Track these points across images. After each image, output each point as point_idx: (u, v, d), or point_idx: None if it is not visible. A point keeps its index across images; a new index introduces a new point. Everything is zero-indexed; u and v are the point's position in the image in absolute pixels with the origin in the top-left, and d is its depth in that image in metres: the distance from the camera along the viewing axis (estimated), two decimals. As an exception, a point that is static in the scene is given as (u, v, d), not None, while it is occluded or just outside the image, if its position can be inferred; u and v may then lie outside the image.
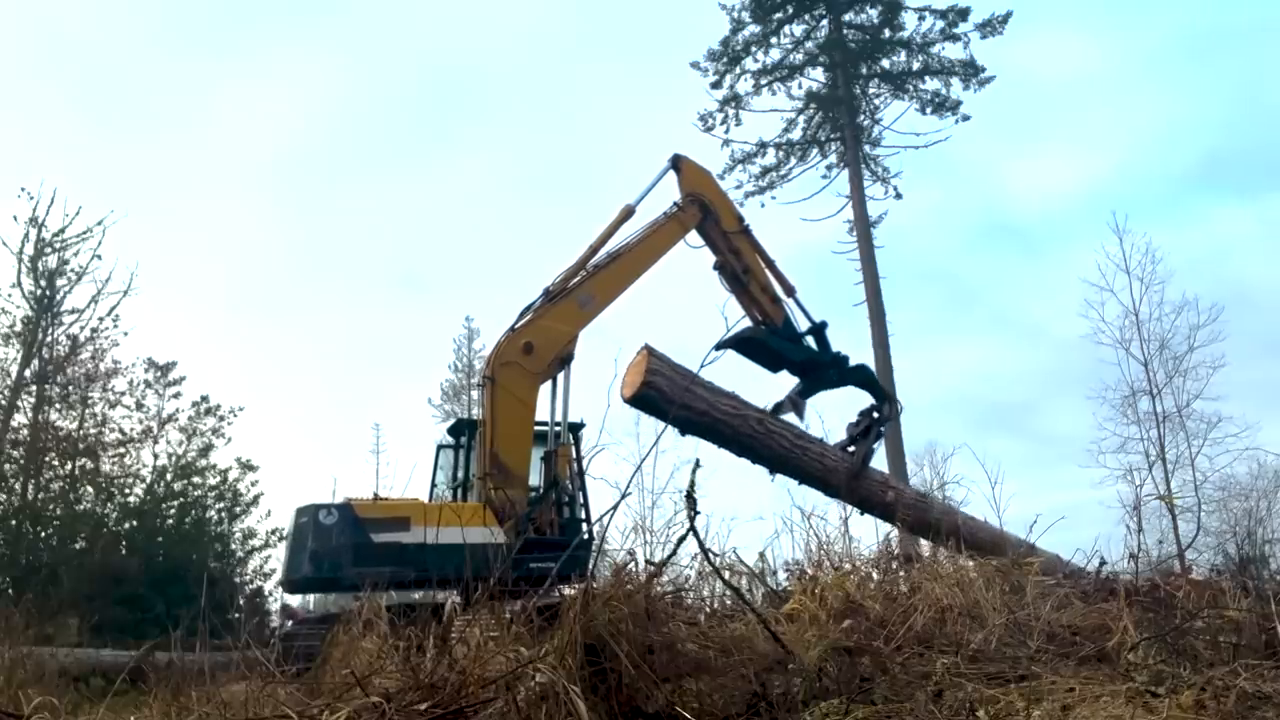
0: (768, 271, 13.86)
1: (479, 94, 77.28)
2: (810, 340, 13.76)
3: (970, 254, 63.44)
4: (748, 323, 13.67)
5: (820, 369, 13.50)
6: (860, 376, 13.79)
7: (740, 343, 13.13)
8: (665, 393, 10.50)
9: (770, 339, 13.47)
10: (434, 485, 14.21)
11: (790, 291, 13.86)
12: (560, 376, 13.06)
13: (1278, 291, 41.66)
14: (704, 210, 13.60)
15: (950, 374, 57.56)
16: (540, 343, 12.66)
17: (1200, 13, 62.98)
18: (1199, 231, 53.85)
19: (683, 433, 11.11)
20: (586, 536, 11.91)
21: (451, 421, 16.94)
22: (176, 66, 69.47)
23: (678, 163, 13.66)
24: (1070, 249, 57.55)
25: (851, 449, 12.77)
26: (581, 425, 13.35)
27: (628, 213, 13.23)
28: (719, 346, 12.46)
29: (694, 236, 13.72)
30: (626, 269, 13.21)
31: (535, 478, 13.12)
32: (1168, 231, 63.00)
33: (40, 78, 57.13)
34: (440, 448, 14.53)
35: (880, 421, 13.30)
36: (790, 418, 12.69)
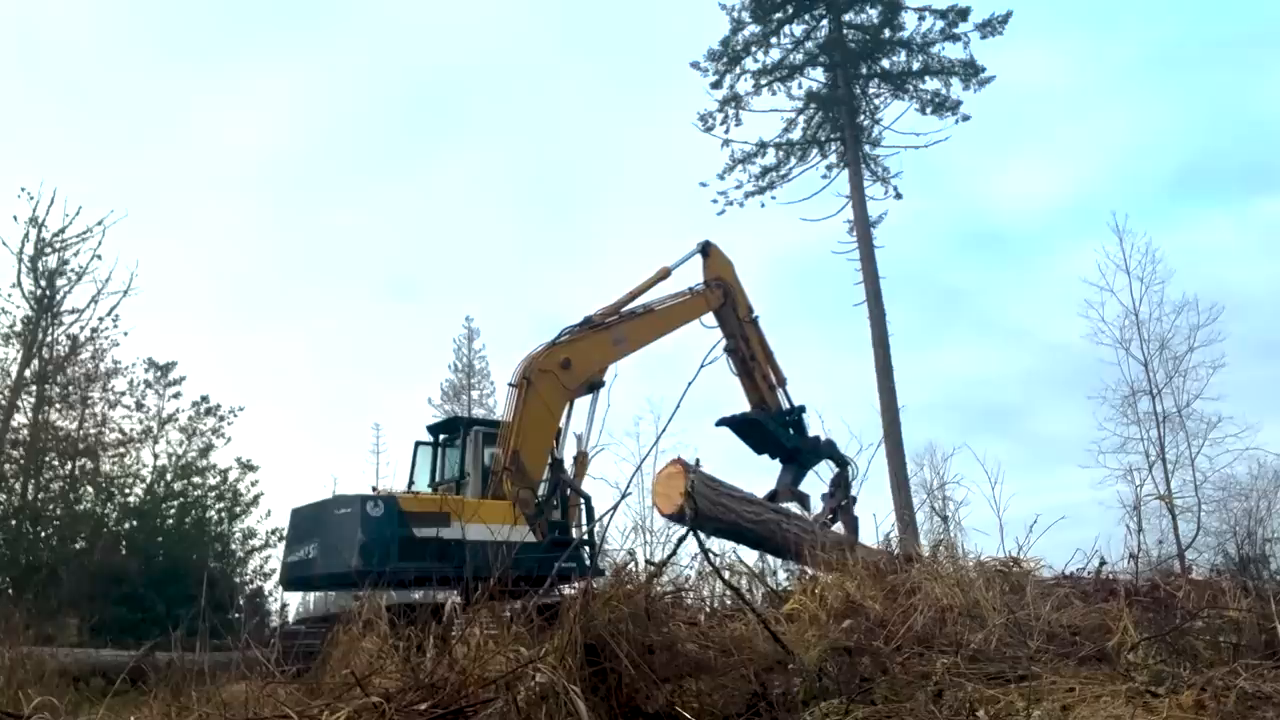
0: (766, 362, 15.75)
1: (475, 96, 77.25)
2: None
3: (953, 259, 63.30)
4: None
5: (804, 454, 15.38)
6: (828, 450, 15.47)
7: (741, 423, 14.84)
8: (702, 510, 11.85)
9: (769, 422, 15.29)
10: (411, 483, 14.34)
11: (782, 383, 15.82)
12: (588, 400, 14.18)
13: (1258, 296, 41.66)
14: (725, 295, 15.42)
15: (940, 377, 57.41)
16: (578, 362, 13.87)
17: (1172, 25, 63.11)
18: (1179, 238, 54.13)
19: (710, 535, 11.84)
20: (581, 539, 12.52)
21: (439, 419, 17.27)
22: (174, 71, 69.49)
23: (706, 249, 15.59)
24: (1052, 255, 57.64)
25: (832, 516, 15.00)
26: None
27: (664, 273, 15.07)
28: (721, 423, 14.49)
29: (709, 318, 15.54)
30: (656, 324, 14.91)
31: None
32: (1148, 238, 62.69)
33: (41, 79, 57.16)
34: (418, 445, 14.76)
35: (848, 487, 15.21)
36: (794, 507, 14.68)
